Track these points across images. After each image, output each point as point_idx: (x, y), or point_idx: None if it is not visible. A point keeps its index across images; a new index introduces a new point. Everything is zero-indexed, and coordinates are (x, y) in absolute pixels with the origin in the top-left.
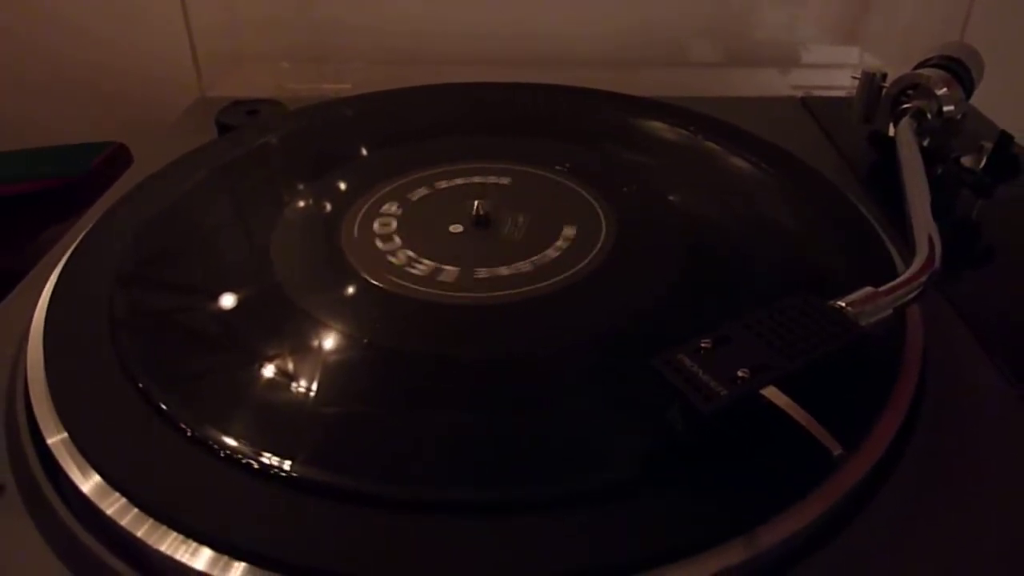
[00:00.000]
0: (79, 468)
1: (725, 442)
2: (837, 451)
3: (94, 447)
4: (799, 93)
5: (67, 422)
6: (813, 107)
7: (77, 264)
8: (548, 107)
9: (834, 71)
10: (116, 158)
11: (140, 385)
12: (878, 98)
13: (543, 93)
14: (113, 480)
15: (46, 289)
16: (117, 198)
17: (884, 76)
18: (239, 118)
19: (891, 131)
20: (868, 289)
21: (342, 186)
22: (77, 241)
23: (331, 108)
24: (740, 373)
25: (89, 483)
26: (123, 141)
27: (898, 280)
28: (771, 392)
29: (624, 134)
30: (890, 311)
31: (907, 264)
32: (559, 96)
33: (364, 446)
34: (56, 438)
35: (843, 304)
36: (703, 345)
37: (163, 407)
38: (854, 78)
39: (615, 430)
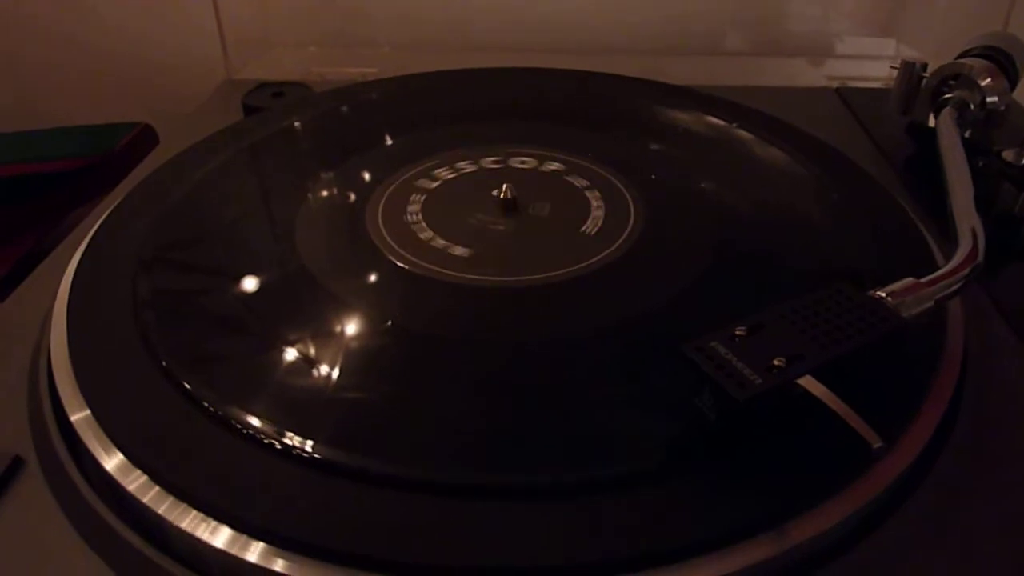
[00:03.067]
0: (101, 445)
1: (758, 432)
2: (877, 444)
3: (117, 424)
4: (834, 83)
5: (90, 399)
6: (848, 98)
7: (101, 243)
8: (575, 93)
9: (870, 62)
10: (142, 138)
11: (163, 363)
12: (918, 88)
13: (570, 79)
14: (135, 457)
15: (70, 267)
16: (142, 178)
17: (924, 66)
18: (265, 100)
19: (931, 122)
20: (910, 280)
21: (367, 168)
22: (100, 220)
23: (357, 91)
24: (776, 362)
25: (111, 460)
26: (150, 122)
27: (941, 271)
28: (808, 382)
29: (654, 121)
30: (932, 303)
31: (946, 257)
32: (587, 82)
33: (386, 428)
34: (79, 415)
35: (884, 294)
36: (737, 332)
37: (186, 385)
38: (893, 68)
39: (643, 418)
